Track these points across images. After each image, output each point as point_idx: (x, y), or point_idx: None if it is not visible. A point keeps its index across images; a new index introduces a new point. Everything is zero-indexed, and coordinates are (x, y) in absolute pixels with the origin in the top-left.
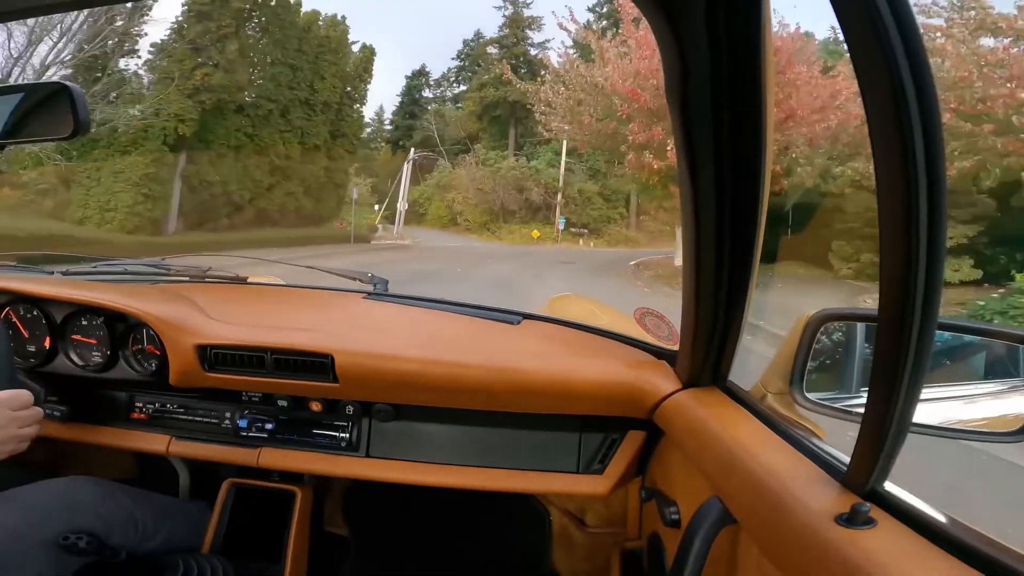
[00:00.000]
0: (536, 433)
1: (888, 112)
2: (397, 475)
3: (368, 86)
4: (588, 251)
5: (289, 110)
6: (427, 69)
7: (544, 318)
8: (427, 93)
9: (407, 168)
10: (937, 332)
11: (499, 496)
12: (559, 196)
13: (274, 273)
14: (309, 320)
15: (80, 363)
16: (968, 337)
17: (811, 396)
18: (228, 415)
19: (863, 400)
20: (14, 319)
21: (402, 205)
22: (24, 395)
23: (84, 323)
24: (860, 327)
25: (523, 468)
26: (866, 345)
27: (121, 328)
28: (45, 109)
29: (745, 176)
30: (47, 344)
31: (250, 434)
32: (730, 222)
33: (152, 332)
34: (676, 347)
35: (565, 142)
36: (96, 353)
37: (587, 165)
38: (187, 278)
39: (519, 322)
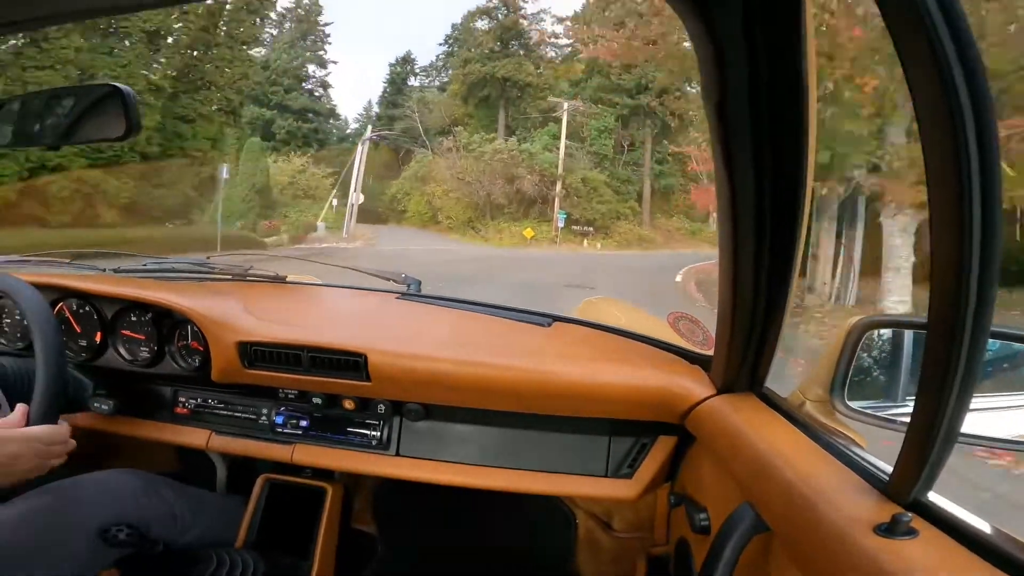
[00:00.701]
0: (565, 436)
1: (940, 113)
2: (426, 475)
3: (265, 25)
4: (598, 256)
5: (47, 34)
6: (412, 56)
7: (575, 321)
8: (414, 82)
9: (361, 150)
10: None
11: (526, 498)
12: (558, 186)
13: (312, 272)
14: (344, 319)
15: (129, 358)
16: (1018, 345)
17: (853, 404)
18: (265, 411)
19: (909, 409)
20: (67, 314)
21: (355, 197)
22: (61, 432)
23: (133, 319)
24: (908, 334)
25: (551, 471)
26: (913, 353)
27: (168, 324)
28: (97, 111)
29: (786, 178)
30: (98, 339)
31: (286, 430)
32: (770, 225)
33: (196, 328)
34: (711, 352)
35: (565, 119)
36: (144, 348)
37: (592, 149)
38: (230, 276)
39: (550, 324)
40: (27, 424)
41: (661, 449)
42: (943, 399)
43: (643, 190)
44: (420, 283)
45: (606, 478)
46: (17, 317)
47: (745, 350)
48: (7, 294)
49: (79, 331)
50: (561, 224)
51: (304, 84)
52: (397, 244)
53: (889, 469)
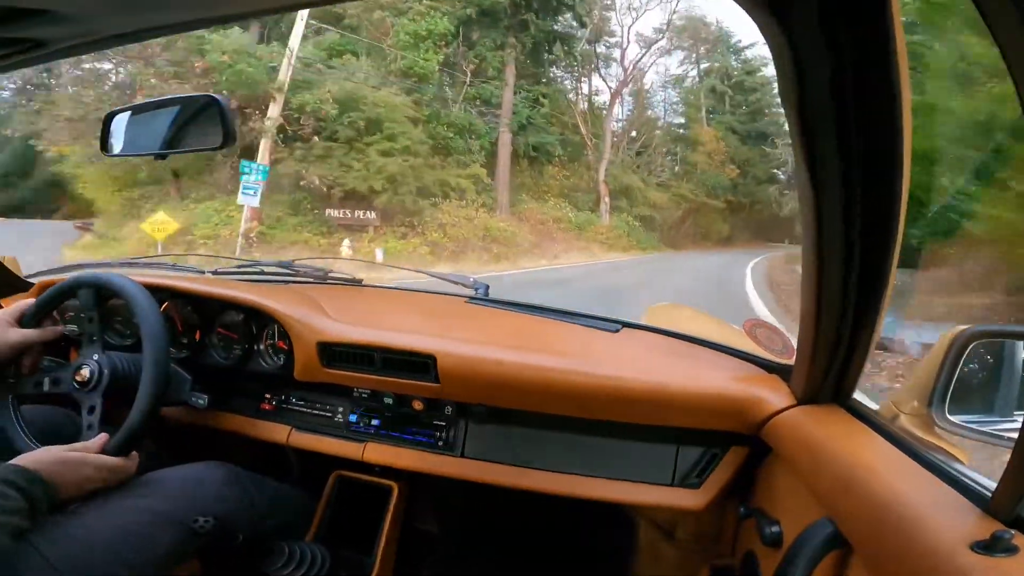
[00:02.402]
0: (631, 443)
1: None
2: (490, 477)
3: None
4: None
5: None
6: None
7: (644, 327)
8: None
9: None
10: None
11: (587, 504)
12: (272, 110)
13: (386, 276)
14: (415, 322)
15: (223, 355)
16: None
17: (954, 418)
18: (341, 410)
19: (1018, 424)
20: (172, 314)
21: None
22: (130, 467)
23: (228, 319)
24: (1018, 345)
25: (616, 478)
26: None
27: (257, 324)
28: (197, 121)
29: (879, 176)
30: (197, 337)
31: (358, 428)
32: (860, 225)
33: (282, 329)
34: (790, 361)
35: None
36: (236, 346)
37: (398, 66)
38: (311, 279)
39: (618, 330)
40: (104, 451)
41: (732, 460)
42: None
43: (499, 150)
44: (488, 287)
45: (672, 487)
46: (128, 316)
47: (831, 359)
48: (122, 295)
49: (181, 329)
50: (255, 197)
51: None
52: None
53: (993, 485)
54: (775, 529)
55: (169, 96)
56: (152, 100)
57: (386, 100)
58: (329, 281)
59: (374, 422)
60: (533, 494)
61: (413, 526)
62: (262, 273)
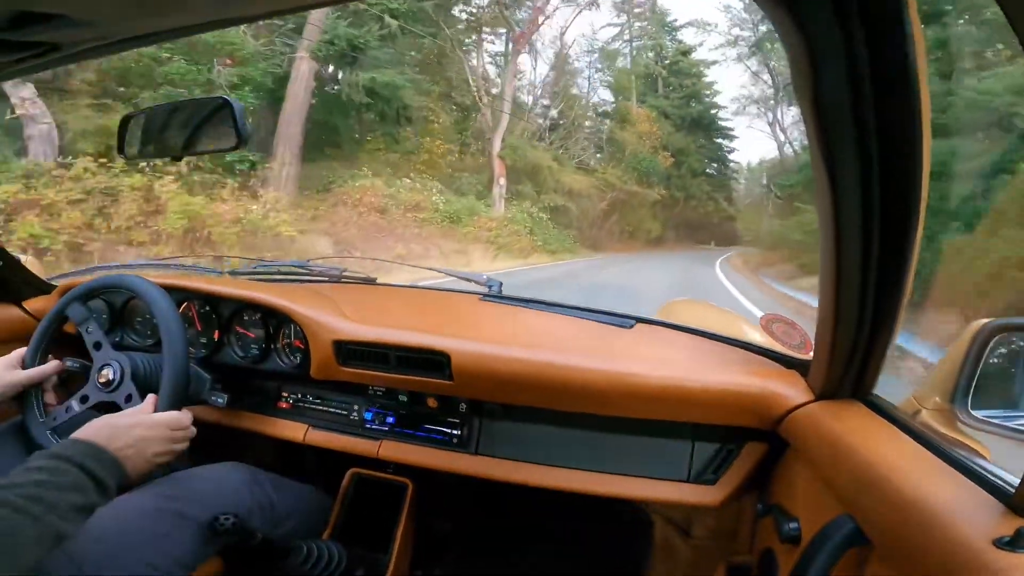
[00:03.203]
0: (646, 440)
1: None
2: (504, 474)
3: None
4: None
5: None
6: None
7: (659, 322)
8: None
9: None
10: None
11: (602, 501)
12: None
13: (400, 274)
14: (429, 320)
15: (241, 354)
16: None
17: (977, 413)
18: (356, 408)
19: None
20: (191, 314)
21: None
22: (184, 419)
23: (246, 318)
24: None
25: (631, 474)
26: None
27: (274, 323)
28: (211, 122)
29: (897, 170)
30: (216, 336)
31: (373, 426)
32: (879, 222)
33: (299, 328)
34: (809, 356)
35: None
36: (254, 345)
37: None
38: (327, 279)
39: (632, 326)
40: (155, 412)
41: (749, 456)
42: None
43: (289, 88)
44: (501, 284)
45: (687, 483)
46: (147, 316)
47: (850, 355)
48: (140, 296)
49: (200, 329)
50: None
51: None
52: None
53: (1016, 481)
54: (793, 526)
55: (183, 99)
56: (166, 104)
57: None
58: (344, 280)
59: (389, 420)
60: (547, 491)
61: (428, 524)
62: (278, 273)
